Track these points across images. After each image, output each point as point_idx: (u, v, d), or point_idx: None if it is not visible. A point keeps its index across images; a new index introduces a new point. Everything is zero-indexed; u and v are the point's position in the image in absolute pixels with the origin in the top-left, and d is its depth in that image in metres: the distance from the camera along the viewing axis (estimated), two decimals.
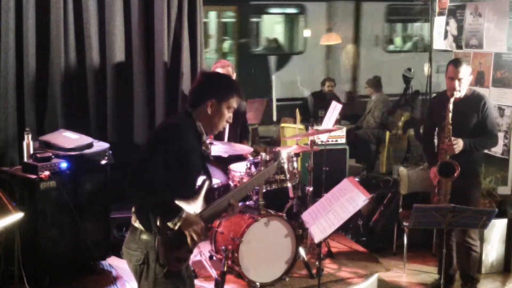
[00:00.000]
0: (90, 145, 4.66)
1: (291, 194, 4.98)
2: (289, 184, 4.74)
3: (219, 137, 4.88)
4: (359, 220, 5.61)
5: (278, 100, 10.60)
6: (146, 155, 2.77)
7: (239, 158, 5.00)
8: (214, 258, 4.74)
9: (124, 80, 5.41)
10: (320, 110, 8.01)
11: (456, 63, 4.38)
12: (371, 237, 5.62)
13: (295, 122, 7.94)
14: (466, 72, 4.33)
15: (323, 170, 5.41)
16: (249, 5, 11.27)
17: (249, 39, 11.53)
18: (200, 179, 2.99)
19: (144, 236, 2.81)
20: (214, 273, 4.46)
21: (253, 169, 4.50)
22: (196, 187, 2.95)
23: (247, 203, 4.65)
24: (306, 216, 3.81)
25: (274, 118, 10.03)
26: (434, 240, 5.41)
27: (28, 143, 4.51)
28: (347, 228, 5.74)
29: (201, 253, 4.65)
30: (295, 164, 4.76)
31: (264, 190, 4.54)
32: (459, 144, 4.25)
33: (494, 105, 5.33)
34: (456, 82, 4.31)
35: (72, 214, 4.40)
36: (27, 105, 4.94)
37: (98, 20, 5.26)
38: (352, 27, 11.89)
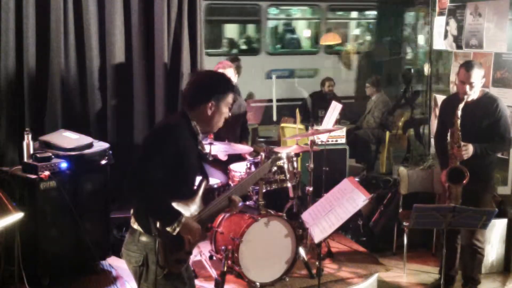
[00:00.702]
0: (90, 145, 4.67)
1: (291, 194, 4.98)
2: (289, 184, 4.74)
3: (219, 137, 4.88)
4: (359, 220, 5.61)
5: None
6: (144, 158, 2.77)
7: (239, 158, 5.00)
8: (214, 258, 4.74)
9: (124, 80, 5.42)
10: (320, 110, 8.02)
11: (467, 66, 4.23)
12: (371, 237, 5.62)
13: (295, 122, 7.94)
14: (478, 76, 4.19)
15: (323, 170, 5.41)
16: None
17: None
18: (197, 180, 2.99)
19: (143, 238, 2.81)
20: (214, 273, 4.46)
21: (253, 169, 4.50)
22: (194, 187, 2.95)
23: (247, 203, 4.65)
24: (306, 216, 3.81)
25: (274, 118, 10.04)
26: (434, 240, 5.41)
27: (28, 143, 4.51)
28: (347, 228, 5.73)
29: (201, 253, 4.65)
30: (295, 164, 4.76)
31: (264, 190, 4.54)
32: (468, 150, 4.15)
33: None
34: (467, 86, 4.18)
35: (72, 214, 4.40)
36: (27, 105, 4.95)
37: (98, 20, 5.26)
38: None
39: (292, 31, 12.36)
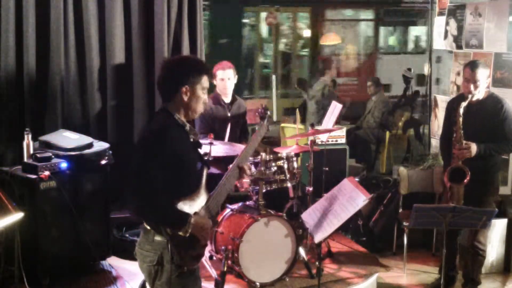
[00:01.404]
0: (90, 145, 4.66)
1: (291, 194, 4.97)
2: (289, 184, 4.74)
3: (219, 137, 4.88)
4: (359, 220, 5.60)
5: None
6: (139, 172, 2.70)
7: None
8: (214, 258, 4.73)
9: (124, 80, 5.42)
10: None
11: (472, 65, 4.25)
12: (371, 237, 5.62)
13: (295, 122, 7.94)
14: (482, 75, 4.20)
15: (323, 170, 5.41)
16: None
17: None
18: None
19: (158, 238, 2.79)
20: (214, 273, 4.45)
21: (253, 169, 4.50)
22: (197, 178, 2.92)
23: (247, 203, 4.65)
24: (306, 216, 3.81)
25: (274, 118, 10.03)
26: (434, 240, 5.41)
27: (28, 143, 4.51)
28: (347, 228, 5.73)
29: None
30: (295, 164, 4.76)
31: (264, 190, 4.54)
32: (471, 149, 4.15)
33: None
34: (472, 85, 4.19)
35: (72, 214, 4.40)
36: (27, 105, 4.94)
37: (98, 20, 5.26)
38: None
39: None
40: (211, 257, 4.79)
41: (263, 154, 4.49)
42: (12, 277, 4.22)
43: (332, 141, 6.10)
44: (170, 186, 2.75)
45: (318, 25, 12.97)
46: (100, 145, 4.75)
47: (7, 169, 4.46)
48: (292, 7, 12.99)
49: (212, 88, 4.43)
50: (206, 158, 4.30)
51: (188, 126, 2.91)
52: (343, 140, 6.27)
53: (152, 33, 5.44)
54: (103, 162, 4.66)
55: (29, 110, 4.96)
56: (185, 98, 2.84)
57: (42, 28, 4.98)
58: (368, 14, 13.59)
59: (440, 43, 6.09)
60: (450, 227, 3.81)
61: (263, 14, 12.65)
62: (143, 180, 2.67)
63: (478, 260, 4.49)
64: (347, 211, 3.62)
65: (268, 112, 3.57)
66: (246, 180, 4.59)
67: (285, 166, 4.64)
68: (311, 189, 5.01)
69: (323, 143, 5.64)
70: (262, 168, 4.50)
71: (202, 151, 3.10)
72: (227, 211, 4.60)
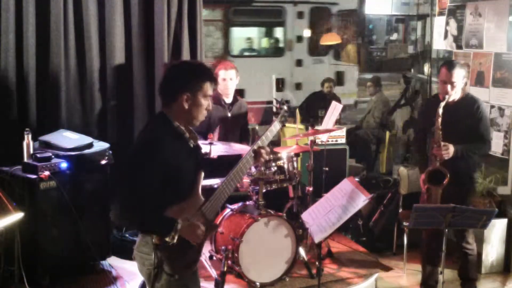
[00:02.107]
0: (90, 145, 4.67)
1: (291, 194, 4.98)
2: (289, 184, 4.74)
3: (219, 138, 4.88)
4: (359, 220, 5.61)
5: None
6: (127, 178, 2.68)
7: (239, 158, 4.98)
8: (214, 258, 4.73)
9: (124, 80, 5.41)
10: (320, 110, 8.01)
11: (449, 66, 4.20)
12: (371, 237, 5.62)
13: (295, 122, 7.94)
14: (459, 76, 4.17)
15: (323, 170, 5.41)
16: None
17: None
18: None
19: (156, 240, 2.76)
20: (214, 273, 4.46)
21: (253, 169, 4.50)
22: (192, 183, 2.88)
23: (247, 203, 4.65)
24: (306, 216, 3.81)
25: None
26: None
27: (28, 143, 4.51)
28: (347, 228, 5.74)
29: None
30: (295, 164, 4.76)
31: (264, 190, 4.54)
32: (449, 150, 4.12)
33: (494, 105, 5.34)
34: (449, 86, 4.15)
35: (72, 214, 4.40)
36: (27, 105, 4.94)
37: (98, 20, 5.26)
38: None
39: None
40: (211, 257, 4.79)
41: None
42: (12, 277, 4.22)
43: (332, 141, 6.11)
44: (160, 194, 2.70)
45: None
46: (100, 145, 4.75)
47: (7, 169, 4.46)
48: None
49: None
50: (206, 157, 4.30)
51: (187, 134, 2.84)
52: (343, 140, 6.28)
53: (152, 33, 5.44)
54: (103, 162, 4.66)
55: (29, 110, 4.95)
56: (186, 106, 2.76)
57: (42, 28, 4.98)
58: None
59: (440, 43, 6.10)
60: (450, 227, 3.81)
61: None
62: (129, 188, 2.65)
63: (470, 259, 4.49)
64: (347, 211, 3.62)
65: (285, 107, 3.44)
66: (246, 180, 4.60)
67: (285, 166, 4.64)
68: (311, 189, 5.01)
69: (323, 143, 5.64)
70: (262, 168, 4.50)
71: (202, 151, 3.09)
72: (227, 211, 4.60)
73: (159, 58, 5.42)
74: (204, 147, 4.24)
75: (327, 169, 5.43)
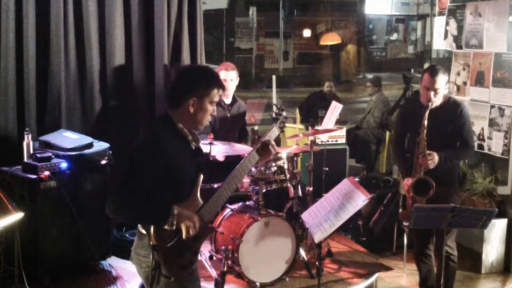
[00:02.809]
0: (90, 145, 4.67)
1: (291, 194, 4.98)
2: (289, 184, 4.74)
3: (219, 138, 4.87)
4: (359, 220, 5.61)
5: None
6: (123, 177, 2.67)
7: (239, 159, 4.98)
8: (214, 258, 4.73)
9: (124, 80, 5.42)
10: (320, 110, 8.01)
11: (432, 72, 4.09)
12: (371, 237, 5.62)
13: (295, 122, 7.94)
14: (442, 82, 4.08)
15: (323, 170, 5.41)
16: None
17: None
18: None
19: (153, 241, 2.75)
20: (214, 273, 4.46)
21: (253, 169, 4.50)
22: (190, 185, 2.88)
23: (247, 203, 4.65)
24: (306, 216, 3.81)
25: None
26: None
27: (28, 143, 4.51)
28: (347, 228, 5.74)
29: (201, 253, 4.65)
30: (295, 164, 4.76)
31: (264, 190, 4.54)
32: (434, 159, 4.05)
33: (494, 105, 5.34)
34: (432, 93, 4.06)
35: (72, 214, 4.40)
36: (27, 105, 4.94)
37: (98, 20, 5.26)
38: None
39: None
40: (211, 257, 4.79)
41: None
42: (12, 277, 4.22)
43: (332, 141, 6.11)
44: (157, 194, 2.70)
45: None
46: (100, 145, 4.75)
47: (7, 169, 4.46)
48: None
49: None
50: (209, 157, 4.31)
51: (190, 136, 2.85)
52: (343, 140, 6.28)
53: (152, 33, 5.44)
54: (103, 162, 4.66)
55: (29, 110, 4.95)
56: (191, 110, 2.78)
57: (42, 28, 4.98)
58: None
59: (440, 43, 6.10)
60: (450, 227, 3.81)
61: None
62: (124, 186, 2.64)
63: (450, 266, 4.25)
64: (347, 211, 3.62)
65: (284, 113, 3.48)
66: (246, 180, 4.60)
67: (285, 166, 4.64)
68: (311, 189, 5.01)
69: (323, 143, 5.64)
70: (262, 168, 4.50)
71: (203, 151, 3.09)
72: (227, 211, 4.60)
73: (159, 58, 5.43)
74: (204, 147, 4.23)
75: (327, 169, 5.43)
